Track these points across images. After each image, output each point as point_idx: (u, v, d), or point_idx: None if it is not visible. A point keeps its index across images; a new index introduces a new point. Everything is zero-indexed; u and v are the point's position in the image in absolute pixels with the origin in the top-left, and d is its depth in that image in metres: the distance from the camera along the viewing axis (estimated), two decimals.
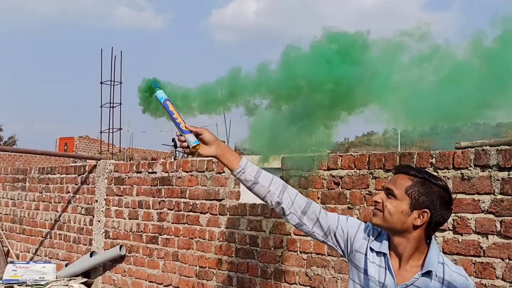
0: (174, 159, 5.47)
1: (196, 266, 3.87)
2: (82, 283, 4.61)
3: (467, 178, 2.47)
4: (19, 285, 4.50)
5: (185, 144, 1.64)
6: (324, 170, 3.10)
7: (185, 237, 3.98)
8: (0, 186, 6.47)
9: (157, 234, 4.23)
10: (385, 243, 1.53)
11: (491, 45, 1.92)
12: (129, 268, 4.46)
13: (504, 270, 2.32)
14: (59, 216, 5.44)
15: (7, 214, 6.33)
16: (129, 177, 4.58)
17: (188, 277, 3.92)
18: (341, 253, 1.65)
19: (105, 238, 4.75)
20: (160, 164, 4.33)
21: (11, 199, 6.32)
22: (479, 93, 1.90)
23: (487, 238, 2.39)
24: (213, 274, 3.73)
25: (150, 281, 4.25)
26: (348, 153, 3.07)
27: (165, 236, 4.16)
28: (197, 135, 1.65)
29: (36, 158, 18.28)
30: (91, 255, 4.71)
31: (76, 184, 5.27)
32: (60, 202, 5.47)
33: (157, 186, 4.29)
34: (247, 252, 3.50)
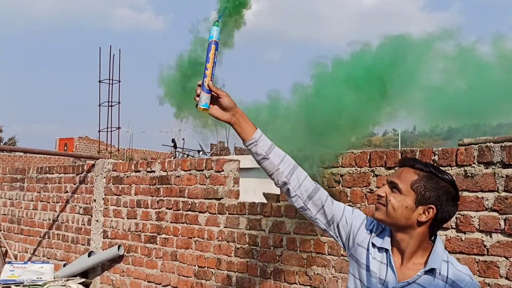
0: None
1: (195, 265, 3.82)
2: (80, 283, 4.57)
3: (470, 175, 2.42)
4: (16, 286, 4.45)
5: (197, 99, 1.55)
6: (325, 168, 3.06)
7: (184, 237, 3.93)
8: None
9: (155, 234, 4.19)
10: (388, 239, 1.47)
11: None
12: (127, 268, 4.42)
13: (508, 269, 2.27)
14: (57, 216, 5.40)
15: (5, 214, 6.29)
16: (127, 176, 4.54)
17: (187, 277, 3.87)
18: (342, 245, 1.59)
19: (103, 238, 4.70)
20: (159, 163, 4.28)
21: (9, 199, 6.28)
22: (501, 92, 1.90)
23: (490, 236, 2.34)
24: (212, 273, 3.68)
25: (148, 281, 4.20)
26: (349, 151, 3.03)
27: (163, 235, 4.11)
28: (217, 97, 1.55)
29: (36, 158, 18.23)
30: (89, 255, 4.66)
31: (74, 184, 5.23)
32: (58, 202, 5.42)
33: (155, 185, 4.25)
34: (246, 252, 3.46)
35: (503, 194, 2.32)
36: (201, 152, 13.98)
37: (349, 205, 2.89)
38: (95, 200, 4.85)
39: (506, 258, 2.29)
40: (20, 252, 5.90)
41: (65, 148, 19.69)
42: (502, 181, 2.32)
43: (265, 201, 3.45)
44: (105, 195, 4.75)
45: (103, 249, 4.67)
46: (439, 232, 2.38)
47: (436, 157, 2.56)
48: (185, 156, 13.65)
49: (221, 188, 3.72)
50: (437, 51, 2.22)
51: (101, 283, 4.66)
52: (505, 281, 2.28)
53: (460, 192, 2.39)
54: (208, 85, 1.53)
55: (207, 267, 3.72)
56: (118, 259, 4.50)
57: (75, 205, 5.17)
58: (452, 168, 2.48)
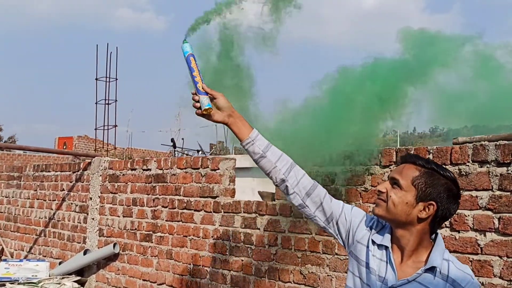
0: None
1: (190, 264, 3.81)
2: (75, 281, 4.56)
3: (465, 174, 2.41)
4: (11, 283, 4.44)
5: (197, 104, 1.59)
6: (320, 166, 3.04)
7: (179, 235, 3.92)
8: None
9: (151, 232, 4.17)
10: (388, 236, 1.46)
11: None
12: (122, 266, 4.40)
13: (502, 268, 2.26)
14: (54, 214, 5.39)
15: (1, 212, 6.28)
16: (123, 175, 4.53)
17: (182, 275, 3.86)
18: (341, 243, 1.58)
19: (99, 236, 4.69)
20: (155, 161, 4.27)
21: (6, 197, 6.27)
22: None
23: (484, 235, 2.33)
24: (207, 272, 3.67)
25: (143, 280, 4.19)
26: (344, 149, 3.01)
27: (159, 234, 4.10)
28: (212, 98, 1.60)
29: (35, 157, 18.23)
30: (84, 253, 4.65)
31: (70, 182, 5.22)
32: (55, 200, 5.41)
33: (151, 184, 4.24)
34: (241, 250, 3.44)
35: (498, 193, 2.31)
36: (200, 152, 13.96)
37: None
38: (91, 198, 4.84)
39: (500, 257, 2.27)
40: (16, 250, 5.89)
41: (64, 146, 19.67)
42: (497, 179, 2.31)
43: (261, 200, 3.44)
44: (101, 193, 4.74)
45: (98, 247, 4.66)
46: None
47: (431, 156, 2.54)
48: (184, 155, 13.64)
49: (216, 186, 3.71)
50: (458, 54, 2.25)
51: (96, 281, 4.65)
52: (499, 280, 2.27)
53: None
54: (202, 87, 1.59)
55: (202, 266, 3.71)
56: (113, 257, 4.49)
57: (71, 203, 5.15)
58: (447, 166, 2.47)
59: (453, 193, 1.40)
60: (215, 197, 3.70)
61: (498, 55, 2.18)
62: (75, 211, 5.08)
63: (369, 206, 2.77)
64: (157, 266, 4.08)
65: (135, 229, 4.32)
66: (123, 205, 4.49)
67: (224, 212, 3.61)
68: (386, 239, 1.46)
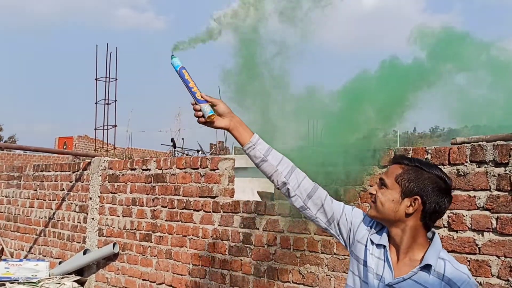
0: None
1: (189, 264, 3.82)
2: (75, 281, 4.57)
3: (462, 174, 2.42)
4: (11, 283, 4.45)
5: (200, 113, 1.62)
6: (318, 167, 3.04)
7: (179, 235, 3.93)
8: None
9: (150, 232, 4.18)
10: (385, 235, 1.49)
11: None
12: (122, 266, 4.41)
13: (500, 268, 2.27)
14: (53, 213, 5.40)
15: (1, 212, 6.29)
16: (123, 174, 4.54)
17: (181, 275, 3.87)
18: (343, 243, 1.61)
19: (99, 236, 4.70)
20: (154, 161, 4.28)
21: (6, 197, 6.28)
22: None
23: (482, 235, 2.34)
24: (206, 272, 3.68)
25: (143, 279, 4.20)
26: (343, 150, 3.02)
27: (158, 233, 4.11)
28: (213, 105, 1.63)
29: (35, 157, 18.24)
30: (84, 253, 4.66)
31: (70, 182, 5.22)
32: (55, 200, 5.42)
33: (151, 183, 4.25)
34: (240, 250, 3.45)
35: (495, 193, 2.31)
36: (200, 152, 13.96)
37: None
38: (90, 198, 4.85)
39: (498, 257, 2.28)
40: (16, 250, 5.90)
41: (64, 146, 19.68)
42: (494, 180, 2.32)
43: (260, 200, 3.45)
44: (100, 193, 4.75)
45: (98, 247, 4.67)
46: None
47: (429, 156, 2.55)
48: (184, 156, 13.64)
49: (215, 186, 3.72)
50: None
51: (96, 281, 4.66)
52: (496, 280, 2.28)
53: (452, 191, 2.41)
54: (201, 96, 1.62)
55: (202, 265, 3.72)
56: (113, 257, 4.49)
57: (71, 203, 5.16)
58: (445, 167, 2.48)
59: (439, 186, 1.41)
60: (214, 197, 3.71)
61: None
62: (75, 211, 5.09)
63: (368, 206, 2.77)
64: (156, 265, 4.09)
65: (135, 229, 4.33)
66: (122, 205, 4.49)
67: (223, 212, 3.62)
68: (383, 239, 1.49)
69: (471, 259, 2.35)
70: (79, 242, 4.98)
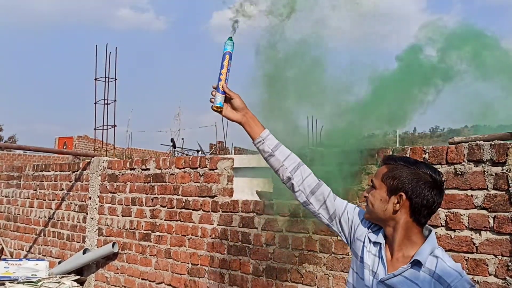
0: None
1: (188, 263, 3.82)
2: (74, 280, 4.57)
3: (460, 173, 2.42)
4: (10, 282, 4.46)
5: (212, 100, 1.71)
6: (317, 166, 3.05)
7: (178, 234, 3.94)
8: None
9: (149, 231, 4.19)
10: (382, 234, 1.53)
11: None
12: (121, 265, 4.42)
13: (497, 267, 2.27)
14: (53, 213, 5.41)
15: (1, 212, 6.30)
16: (122, 174, 4.54)
17: (180, 274, 3.87)
18: (345, 240, 1.65)
19: (98, 236, 4.71)
20: (153, 161, 4.29)
21: (5, 197, 6.28)
22: None
23: (480, 234, 2.34)
24: (205, 271, 3.69)
25: (142, 279, 4.21)
26: (341, 149, 3.02)
27: (157, 233, 4.12)
28: (230, 98, 1.71)
29: (35, 157, 18.25)
30: (84, 253, 4.67)
31: (70, 181, 5.23)
32: (54, 200, 5.43)
33: (150, 183, 4.26)
34: (239, 249, 3.46)
35: (493, 192, 2.32)
36: (200, 152, 13.96)
37: None
38: (90, 198, 4.86)
39: (495, 256, 2.29)
40: (16, 250, 5.91)
41: (64, 147, 19.68)
42: (492, 179, 2.33)
43: (259, 199, 3.45)
44: (100, 192, 4.76)
45: (98, 247, 4.68)
46: None
47: (426, 155, 2.56)
48: (184, 156, 13.65)
49: (214, 186, 3.73)
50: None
51: (95, 280, 4.67)
52: (493, 278, 2.28)
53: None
54: (222, 86, 1.71)
55: (200, 265, 3.73)
56: (112, 256, 4.50)
57: (71, 203, 5.17)
58: (443, 166, 2.49)
59: (425, 180, 1.43)
60: (213, 197, 3.72)
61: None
62: (75, 211, 5.10)
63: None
64: (155, 265, 4.10)
65: (134, 228, 4.34)
66: (122, 204, 4.50)
67: (222, 212, 3.63)
68: (380, 237, 1.53)
69: (468, 258, 2.36)
70: (79, 242, 4.99)
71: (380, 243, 1.50)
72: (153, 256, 4.13)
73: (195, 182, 3.88)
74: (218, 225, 3.64)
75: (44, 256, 5.41)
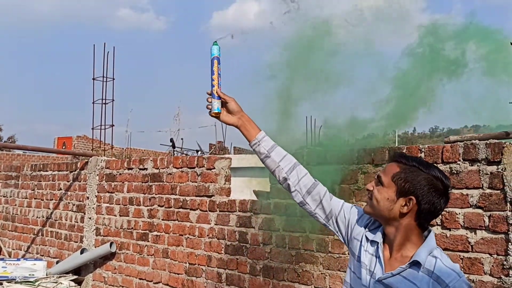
0: None
1: (185, 263, 3.83)
2: (72, 280, 4.58)
3: (455, 172, 2.43)
4: (8, 282, 4.46)
5: (209, 106, 1.73)
6: (314, 165, 3.06)
7: (175, 234, 3.94)
8: None
9: (147, 231, 4.19)
10: (380, 233, 1.52)
11: None
12: (119, 265, 4.42)
13: (492, 266, 2.28)
14: (51, 213, 5.41)
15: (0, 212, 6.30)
16: (120, 174, 4.55)
17: (178, 274, 3.88)
18: (342, 239, 1.65)
19: (96, 235, 4.71)
20: (151, 160, 4.29)
21: (3, 196, 6.28)
22: None
23: (475, 233, 2.35)
24: (202, 271, 3.69)
25: (140, 278, 4.21)
26: (338, 149, 3.03)
27: (155, 233, 4.12)
28: (225, 102, 1.73)
29: (34, 157, 18.25)
30: (81, 252, 4.67)
31: (68, 181, 5.23)
32: (52, 199, 5.43)
33: (147, 183, 4.26)
34: (236, 249, 3.46)
35: (488, 191, 2.33)
36: (199, 152, 13.96)
37: None
38: (88, 198, 4.86)
39: (490, 254, 2.29)
40: (14, 249, 5.91)
41: (64, 146, 19.68)
42: (487, 178, 2.33)
43: (256, 199, 3.46)
44: (98, 192, 4.76)
45: (95, 247, 4.68)
46: None
47: (422, 154, 2.56)
48: (183, 155, 13.64)
49: (212, 185, 3.73)
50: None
51: (93, 280, 4.67)
52: (489, 277, 2.29)
53: (450, 191, 2.41)
54: (216, 92, 1.72)
55: (198, 264, 3.73)
56: (110, 256, 4.51)
57: (69, 203, 5.17)
58: (438, 165, 2.49)
59: (436, 187, 1.41)
60: (210, 196, 3.72)
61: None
62: (72, 211, 5.10)
63: (362, 205, 2.78)
64: (153, 265, 4.10)
65: (132, 228, 4.34)
66: (119, 204, 4.50)
67: (220, 211, 3.63)
68: (377, 236, 1.51)
69: (464, 257, 2.37)
70: (77, 242, 4.99)
71: (378, 242, 1.49)
72: (151, 255, 4.13)
73: (192, 182, 3.88)
74: (215, 224, 3.64)
75: (42, 256, 5.42)
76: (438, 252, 1.43)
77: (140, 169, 4.35)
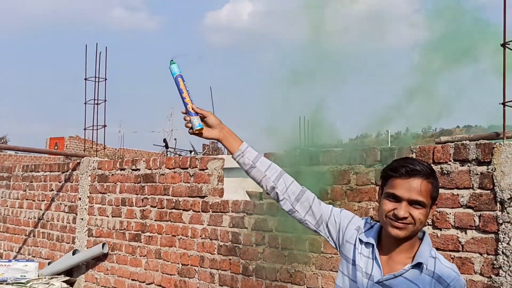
0: None
1: (178, 263, 3.82)
2: (64, 281, 4.55)
3: (446, 172, 2.45)
4: None
5: (189, 125, 1.68)
6: (306, 166, 3.07)
7: (168, 235, 3.93)
8: None
9: (140, 232, 4.18)
10: (374, 235, 1.51)
11: None
12: (111, 266, 4.40)
13: (482, 265, 2.30)
14: (43, 214, 5.37)
15: None
16: (112, 175, 4.53)
17: (170, 274, 3.87)
18: (333, 244, 1.64)
19: (88, 236, 4.69)
20: (144, 161, 4.28)
21: None
22: None
23: (465, 233, 2.37)
24: (195, 271, 3.69)
25: (132, 279, 4.19)
26: (330, 149, 3.05)
27: (148, 233, 4.11)
28: (203, 117, 1.68)
29: (26, 158, 18.11)
30: (73, 253, 4.65)
31: (59, 182, 5.20)
32: (44, 200, 5.40)
33: (140, 183, 4.24)
34: (229, 249, 3.46)
35: (478, 191, 2.35)
36: (193, 153, 13.93)
37: (329, 203, 2.92)
38: (80, 198, 4.83)
39: (480, 254, 2.31)
40: (5, 251, 5.86)
41: (56, 147, 19.55)
42: (477, 178, 2.35)
43: (249, 199, 3.46)
44: (90, 193, 4.74)
45: (87, 248, 4.66)
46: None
47: (414, 155, 2.58)
48: (176, 156, 13.60)
49: (205, 186, 3.73)
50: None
51: (85, 281, 4.64)
52: (479, 277, 2.31)
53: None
54: (192, 108, 1.67)
55: (191, 265, 3.72)
56: (102, 257, 4.49)
57: (60, 203, 5.14)
58: None
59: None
60: (203, 197, 3.72)
61: None
62: (64, 212, 5.07)
63: (354, 205, 2.80)
64: (145, 265, 4.09)
65: (124, 229, 4.33)
66: (112, 205, 4.49)
67: (212, 212, 3.63)
68: (372, 238, 1.51)
69: (454, 256, 2.39)
70: (69, 243, 4.96)
71: (373, 244, 1.49)
72: (143, 256, 4.12)
73: (185, 183, 3.87)
74: (208, 225, 3.64)
75: (34, 257, 5.38)
76: (434, 252, 1.45)
77: (132, 169, 4.34)
